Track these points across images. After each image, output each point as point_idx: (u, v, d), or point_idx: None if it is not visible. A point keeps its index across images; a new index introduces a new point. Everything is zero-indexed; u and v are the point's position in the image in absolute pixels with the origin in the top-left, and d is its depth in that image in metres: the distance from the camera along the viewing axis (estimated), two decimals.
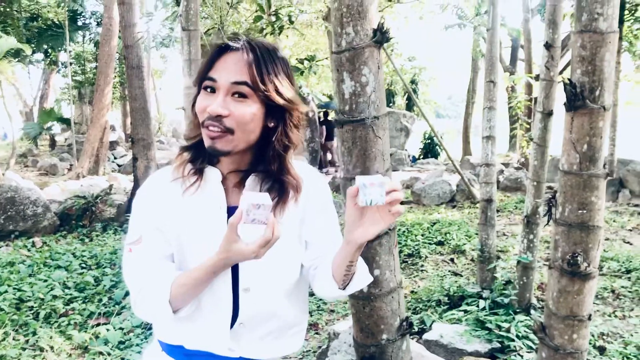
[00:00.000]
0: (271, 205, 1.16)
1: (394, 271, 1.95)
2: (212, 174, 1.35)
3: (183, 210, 1.35)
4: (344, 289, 1.36)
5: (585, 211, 1.70)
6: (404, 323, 1.98)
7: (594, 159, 1.67)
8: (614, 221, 8.49)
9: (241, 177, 1.36)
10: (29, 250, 7.06)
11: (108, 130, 14.12)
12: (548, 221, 2.18)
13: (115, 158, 18.19)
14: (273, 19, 7.56)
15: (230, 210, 1.33)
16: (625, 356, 3.71)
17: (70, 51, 18.45)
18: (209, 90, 1.26)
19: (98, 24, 19.52)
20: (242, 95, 1.24)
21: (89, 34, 20.49)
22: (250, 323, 1.39)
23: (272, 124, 1.31)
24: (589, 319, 1.80)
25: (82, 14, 19.59)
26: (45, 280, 5.40)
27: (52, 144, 20.29)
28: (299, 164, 1.43)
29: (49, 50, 20.80)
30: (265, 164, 1.34)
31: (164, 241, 1.36)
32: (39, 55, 22.04)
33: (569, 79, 1.65)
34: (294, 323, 1.46)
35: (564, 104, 1.68)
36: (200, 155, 1.35)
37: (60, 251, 6.70)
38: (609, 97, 1.64)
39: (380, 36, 1.74)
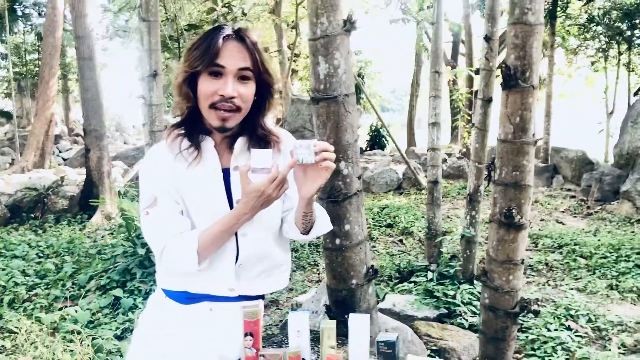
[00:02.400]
0: (270, 155, 1.42)
1: (362, 226, 2.27)
2: (207, 142, 1.59)
3: (185, 177, 1.57)
4: (307, 234, 1.65)
5: (518, 172, 2.06)
6: (370, 270, 2.31)
7: (525, 129, 2.03)
8: (548, 204, 9.14)
9: (230, 141, 1.61)
10: None
11: (53, 123, 13.84)
12: (488, 183, 2.54)
13: (60, 152, 17.79)
14: (226, 10, 7.70)
15: (225, 172, 1.59)
16: (555, 316, 4.15)
17: (9, 42, 17.83)
18: (213, 75, 1.50)
19: (40, 15, 18.96)
20: (245, 78, 1.51)
21: (30, 25, 19.86)
22: (247, 263, 1.64)
23: (256, 97, 1.58)
24: (522, 262, 2.16)
25: (22, 3, 18.97)
26: (4, 269, 5.43)
27: None
28: (277, 129, 1.71)
29: None
30: (249, 128, 1.60)
31: (175, 201, 1.58)
32: None
33: (504, 63, 2.00)
34: (280, 262, 1.73)
35: (501, 83, 2.03)
36: (193, 131, 1.58)
37: (14, 242, 6.70)
38: (536, 78, 2.00)
39: (350, 25, 2.06)
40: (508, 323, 2.22)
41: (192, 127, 1.58)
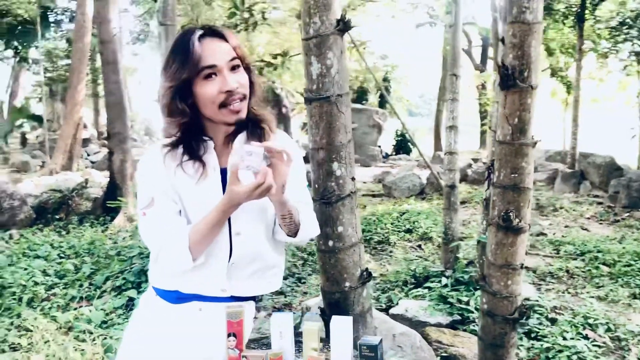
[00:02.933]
0: (261, 153, 1.40)
1: (355, 228, 2.25)
2: (207, 144, 1.59)
3: (183, 175, 1.57)
4: (294, 236, 1.63)
5: (516, 175, 2.01)
6: (364, 273, 2.28)
7: (524, 130, 1.98)
8: (574, 210, 8.94)
9: (230, 139, 1.61)
10: (6, 242, 7.16)
11: (81, 126, 14.13)
12: (488, 185, 2.49)
13: (88, 155, 18.15)
14: (247, 15, 7.74)
15: (223, 172, 1.58)
16: (572, 324, 4.04)
17: (41, 48, 18.29)
18: (207, 77, 1.48)
19: (70, 20, 19.40)
20: (236, 67, 1.52)
21: (61, 31, 20.36)
22: (240, 263, 1.63)
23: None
24: (522, 267, 2.11)
25: (54, 10, 19.45)
26: (26, 269, 5.53)
27: (23, 141, 20.10)
28: (276, 129, 1.70)
29: (19, 47, 20.59)
30: (247, 116, 1.58)
31: (172, 201, 1.58)
32: (9, 52, 21.79)
33: (502, 63, 1.96)
34: (274, 264, 1.72)
35: (499, 84, 1.99)
36: (192, 146, 1.56)
37: (38, 242, 6.83)
38: (535, 78, 1.95)
39: (343, 25, 2.05)
40: (507, 329, 2.17)
41: (191, 140, 1.57)
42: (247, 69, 1.57)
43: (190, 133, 1.57)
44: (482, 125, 21.41)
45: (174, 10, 5.33)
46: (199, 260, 1.55)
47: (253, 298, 1.76)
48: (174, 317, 1.66)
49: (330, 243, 2.21)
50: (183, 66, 1.45)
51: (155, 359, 1.63)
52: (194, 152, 1.56)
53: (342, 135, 2.11)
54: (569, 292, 5.03)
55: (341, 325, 1.55)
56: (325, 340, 1.74)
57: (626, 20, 12.67)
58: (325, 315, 2.30)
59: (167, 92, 1.49)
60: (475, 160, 16.05)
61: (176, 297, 1.66)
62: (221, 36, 1.53)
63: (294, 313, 4.48)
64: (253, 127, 1.61)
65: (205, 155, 1.57)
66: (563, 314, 4.37)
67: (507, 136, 2.00)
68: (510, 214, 2.01)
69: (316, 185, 2.27)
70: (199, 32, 1.50)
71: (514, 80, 1.93)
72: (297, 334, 1.65)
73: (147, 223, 1.57)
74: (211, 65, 1.47)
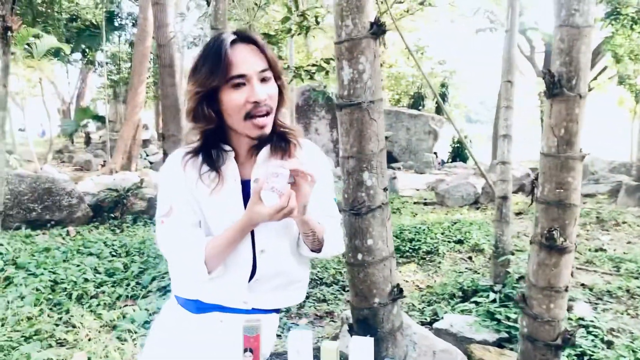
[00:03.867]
0: (287, 175, 1.35)
1: (386, 241, 2.14)
2: (228, 154, 1.54)
3: (202, 185, 1.52)
4: (318, 252, 1.58)
5: (562, 190, 1.85)
6: (395, 289, 2.17)
7: (571, 142, 1.82)
8: (638, 225, 8.45)
9: (254, 150, 1.55)
10: (63, 238, 7.41)
11: (140, 128, 14.55)
12: (532, 201, 2.33)
13: (147, 155, 18.70)
14: (300, 19, 7.75)
15: (244, 184, 1.53)
16: (631, 349, 3.78)
17: (106, 51, 19.00)
18: (237, 86, 1.43)
19: (134, 25, 20.09)
20: (266, 79, 1.46)
21: (125, 35, 21.14)
22: (264, 279, 1.59)
23: None
24: (566, 290, 1.95)
25: (119, 15, 20.20)
26: (78, 266, 5.69)
27: (87, 140, 20.93)
28: (303, 141, 1.63)
29: (87, 50, 21.47)
30: (272, 130, 1.53)
31: (192, 211, 1.54)
32: (77, 55, 22.76)
33: (548, 69, 1.81)
34: (298, 278, 1.67)
35: (544, 92, 1.85)
36: (211, 155, 1.52)
37: (92, 240, 7.03)
38: (584, 86, 1.80)
39: (377, 29, 1.95)
40: (548, 355, 2.01)
41: (211, 148, 1.53)
42: (278, 80, 1.51)
43: (212, 141, 1.52)
44: None
45: (225, 14, 5.36)
46: (215, 273, 1.52)
47: (276, 310, 1.71)
48: (195, 327, 1.63)
49: (360, 256, 2.11)
50: (212, 73, 1.41)
51: None
52: (212, 162, 1.51)
53: (373, 144, 2.02)
54: (628, 314, 4.72)
55: (361, 346, 1.46)
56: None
57: None
58: (353, 332, 2.21)
59: (194, 97, 1.45)
60: (534, 170, 15.50)
61: (197, 307, 1.63)
62: (254, 43, 1.46)
63: (322, 327, 4.40)
64: (278, 140, 1.55)
65: (224, 165, 1.52)
66: (620, 337, 4.10)
67: (552, 148, 1.85)
68: (554, 232, 1.86)
69: (345, 195, 2.20)
70: (231, 38, 1.43)
71: (560, 88, 1.78)
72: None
73: (165, 232, 1.54)
74: (241, 75, 1.42)
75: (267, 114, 1.45)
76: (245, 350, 1.54)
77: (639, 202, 10.19)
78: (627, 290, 5.29)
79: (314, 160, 1.62)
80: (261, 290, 1.60)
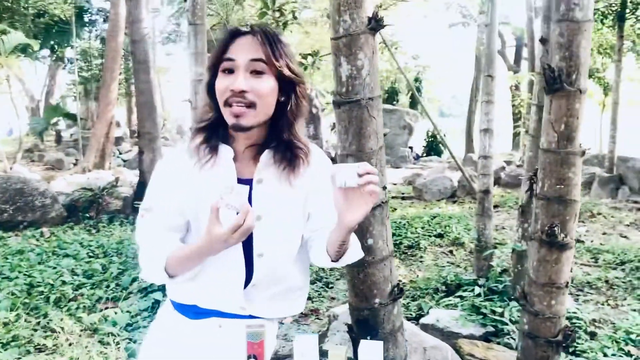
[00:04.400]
0: (244, 193, 1.28)
1: (386, 241, 2.11)
2: (225, 151, 1.49)
3: (198, 184, 1.48)
4: (336, 261, 1.50)
5: (562, 186, 1.85)
6: (395, 289, 2.14)
7: (571, 137, 1.82)
8: (612, 217, 8.62)
9: (256, 151, 1.50)
10: (37, 240, 7.22)
11: (114, 125, 14.28)
12: (530, 197, 2.33)
13: (120, 153, 18.38)
14: (277, 14, 7.68)
15: (242, 183, 1.46)
16: (614, 340, 3.83)
17: (76, 47, 18.59)
18: (227, 72, 1.40)
19: (104, 21, 19.68)
20: (259, 72, 1.39)
21: (95, 30, 20.69)
22: (261, 285, 1.54)
23: (283, 98, 1.45)
24: (567, 286, 1.95)
25: (89, 10, 19.77)
26: (54, 268, 5.55)
27: (58, 139, 20.49)
28: (311, 146, 1.58)
29: (56, 47, 20.98)
30: (278, 137, 1.48)
31: (174, 213, 1.51)
32: (46, 52, 22.21)
33: (547, 64, 1.80)
34: (298, 286, 1.62)
35: (544, 87, 1.83)
36: (213, 135, 1.48)
37: (68, 241, 6.87)
38: (584, 81, 1.79)
39: (375, 24, 1.91)
40: (549, 353, 2.00)
41: (212, 131, 1.49)
42: (287, 85, 1.44)
43: (216, 123, 1.48)
44: (515, 127, 20.99)
45: (203, 9, 5.27)
46: (180, 279, 1.49)
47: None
48: (193, 333, 1.58)
49: None
50: (213, 55, 1.43)
51: None
52: (211, 140, 1.49)
53: (372, 142, 1.98)
54: (608, 304, 4.79)
55: (371, 350, 1.42)
56: None
57: None
58: (353, 333, 2.17)
59: (207, 75, 1.48)
60: (508, 162, 15.70)
61: (194, 312, 1.58)
62: (259, 36, 1.40)
63: (318, 332, 4.37)
64: (284, 148, 1.48)
65: (221, 162, 1.48)
66: (603, 328, 4.16)
67: (552, 144, 1.84)
68: (556, 228, 1.85)
69: None
70: (242, 29, 1.42)
71: (560, 83, 1.77)
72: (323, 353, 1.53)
73: (142, 226, 1.54)
74: (229, 59, 1.39)
75: (246, 106, 1.38)
76: (248, 357, 1.49)
77: (611, 193, 10.40)
78: (606, 281, 5.38)
79: (323, 166, 1.58)
80: (259, 297, 1.56)
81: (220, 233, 1.29)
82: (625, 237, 7.40)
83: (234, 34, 1.42)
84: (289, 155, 1.48)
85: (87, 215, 8.67)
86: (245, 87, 1.37)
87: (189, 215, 1.52)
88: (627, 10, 11.73)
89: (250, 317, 1.57)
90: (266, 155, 1.48)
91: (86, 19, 19.71)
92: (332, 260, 1.49)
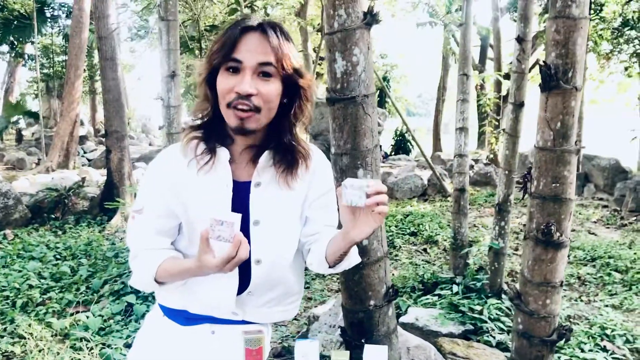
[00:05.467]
0: (235, 223, 1.21)
1: (381, 241, 2.06)
2: (222, 153, 1.41)
3: (192, 186, 1.41)
4: (333, 267, 1.45)
5: (558, 184, 1.83)
6: (390, 290, 2.09)
7: (567, 135, 1.80)
8: (579, 214, 8.79)
9: (254, 153, 1.42)
10: (0, 242, 6.97)
11: (78, 124, 13.92)
12: (524, 195, 2.32)
13: (85, 152, 17.95)
14: (248, 11, 7.61)
15: (238, 186, 1.42)
16: (590, 335, 3.89)
17: (37, 43, 18.06)
18: (231, 70, 1.31)
19: (67, 16, 19.16)
20: (267, 75, 1.31)
21: (58, 26, 20.11)
22: (257, 291, 1.47)
23: (286, 100, 1.38)
24: (561, 285, 1.94)
25: (51, 5, 19.19)
26: (20, 271, 5.36)
27: (19, 138, 19.89)
28: (311, 147, 1.52)
29: (15, 43, 20.34)
30: (277, 139, 1.42)
31: (165, 216, 1.43)
32: (4, 48, 21.55)
33: (544, 62, 1.78)
34: (293, 292, 1.56)
35: (539, 84, 1.81)
36: (211, 134, 1.41)
37: (33, 243, 6.65)
38: (580, 79, 1.78)
39: (370, 18, 1.85)
40: (544, 352, 1.99)
41: (211, 130, 1.42)
42: (292, 88, 1.38)
43: (213, 121, 1.42)
44: (481, 125, 21.27)
45: (175, 5, 5.15)
46: (172, 285, 1.44)
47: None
48: (185, 340, 1.51)
49: None
50: (218, 51, 1.32)
51: None
52: (209, 141, 1.42)
53: (368, 140, 1.93)
54: (582, 300, 4.87)
55: (376, 355, 1.38)
56: None
57: (628, 20, 12.52)
58: (347, 336, 2.12)
59: (203, 73, 1.37)
60: (476, 160, 15.89)
61: (185, 318, 1.51)
62: (269, 36, 1.32)
63: (297, 333, 4.31)
64: (284, 152, 1.42)
65: (218, 164, 1.41)
66: (579, 324, 4.21)
67: (547, 142, 1.83)
68: (552, 227, 1.83)
69: None
70: (249, 24, 1.32)
71: (556, 80, 1.76)
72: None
73: (133, 227, 1.48)
74: (236, 59, 1.30)
75: (251, 110, 1.31)
76: None
77: (577, 191, 10.61)
78: (579, 277, 5.47)
79: (323, 168, 1.52)
80: (255, 303, 1.49)
81: (212, 264, 1.23)
82: (593, 233, 7.56)
83: (243, 30, 1.32)
84: (289, 157, 1.42)
85: (53, 216, 8.41)
86: (252, 91, 1.29)
87: (182, 218, 1.45)
88: (592, 12, 11.99)
89: (244, 322, 1.51)
90: (265, 158, 1.41)
91: (48, 14, 19.11)
92: (329, 267, 1.45)
